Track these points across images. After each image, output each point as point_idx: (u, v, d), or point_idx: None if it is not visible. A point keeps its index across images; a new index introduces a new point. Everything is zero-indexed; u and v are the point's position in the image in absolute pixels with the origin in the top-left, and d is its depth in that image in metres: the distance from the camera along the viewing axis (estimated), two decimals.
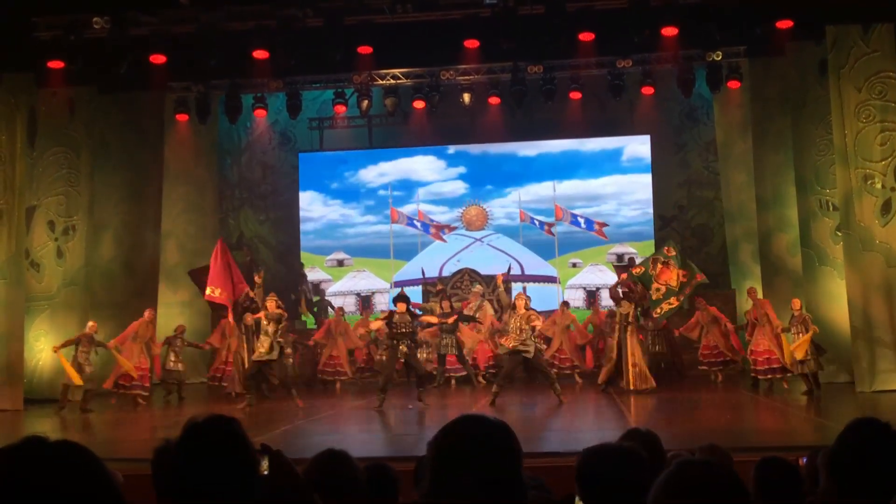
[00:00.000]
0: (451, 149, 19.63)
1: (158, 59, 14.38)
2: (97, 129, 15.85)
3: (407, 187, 19.74)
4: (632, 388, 12.59)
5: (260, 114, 17.60)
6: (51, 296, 14.83)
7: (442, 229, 19.16)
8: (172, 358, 14.30)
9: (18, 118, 14.12)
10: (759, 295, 14.31)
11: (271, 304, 12.29)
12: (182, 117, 17.21)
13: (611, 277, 17.73)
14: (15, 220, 13.87)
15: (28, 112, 14.40)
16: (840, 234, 13.28)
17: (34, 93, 14.53)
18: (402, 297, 12.17)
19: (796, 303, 12.58)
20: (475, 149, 19.57)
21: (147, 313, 13.97)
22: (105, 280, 16.07)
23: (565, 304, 16.11)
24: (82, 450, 1.61)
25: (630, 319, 12.96)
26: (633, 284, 13.25)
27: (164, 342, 14.38)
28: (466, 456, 1.83)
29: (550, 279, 18.72)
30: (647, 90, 16.77)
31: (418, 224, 19.21)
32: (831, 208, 13.80)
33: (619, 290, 13.34)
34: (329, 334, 15.44)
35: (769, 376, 12.77)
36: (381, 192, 19.72)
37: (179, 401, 13.90)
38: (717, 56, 15.72)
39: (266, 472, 2.34)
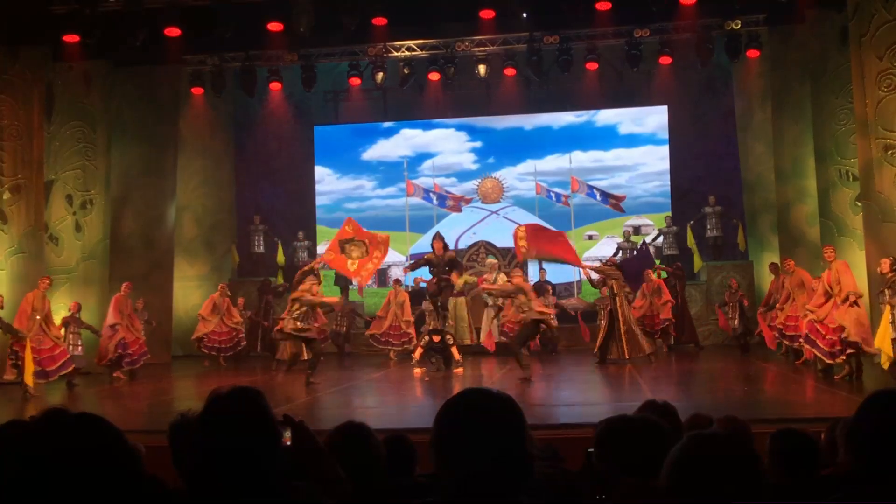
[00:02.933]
0: (467, 121, 19.55)
1: (173, 32, 14.35)
2: (113, 102, 15.89)
3: (422, 160, 19.70)
4: (626, 356, 12.89)
5: (275, 86, 17.58)
6: (70, 269, 14.96)
7: (459, 201, 19.12)
8: (70, 341, 12.86)
9: (35, 93, 14.16)
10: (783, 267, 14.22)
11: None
12: (197, 90, 17.22)
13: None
14: (33, 195, 13.97)
15: (45, 86, 14.44)
16: (860, 204, 13.14)
17: (50, 67, 14.56)
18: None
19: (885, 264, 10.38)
20: (491, 121, 19.48)
21: (124, 287, 13.61)
22: (123, 254, 16.16)
23: (397, 281, 16.32)
24: (102, 421, 1.64)
25: (616, 290, 13.30)
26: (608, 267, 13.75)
27: (61, 323, 12.95)
28: (470, 429, 1.83)
29: None
30: (665, 60, 16.59)
31: (434, 197, 19.18)
32: (851, 178, 13.66)
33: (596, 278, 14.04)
34: (388, 306, 15.61)
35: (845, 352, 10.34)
36: (396, 165, 19.68)
37: (72, 388, 12.20)
38: (737, 25, 15.52)
39: (289, 444, 2.36)
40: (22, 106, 13.99)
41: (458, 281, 15.74)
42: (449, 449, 1.85)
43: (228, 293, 15.84)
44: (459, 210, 19.15)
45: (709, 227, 17.43)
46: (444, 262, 13.39)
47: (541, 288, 15.98)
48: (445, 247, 13.65)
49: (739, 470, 1.81)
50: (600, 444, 2.55)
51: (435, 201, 19.19)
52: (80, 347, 13.12)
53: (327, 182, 19.94)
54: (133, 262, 16.12)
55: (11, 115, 13.89)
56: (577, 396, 10.55)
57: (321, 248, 19.48)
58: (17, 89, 13.95)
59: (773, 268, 14.07)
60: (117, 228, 16.21)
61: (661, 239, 17.77)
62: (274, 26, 14.65)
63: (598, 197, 18.67)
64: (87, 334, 13.46)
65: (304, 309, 12.05)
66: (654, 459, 2.28)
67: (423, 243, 19.17)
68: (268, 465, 1.96)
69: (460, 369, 12.67)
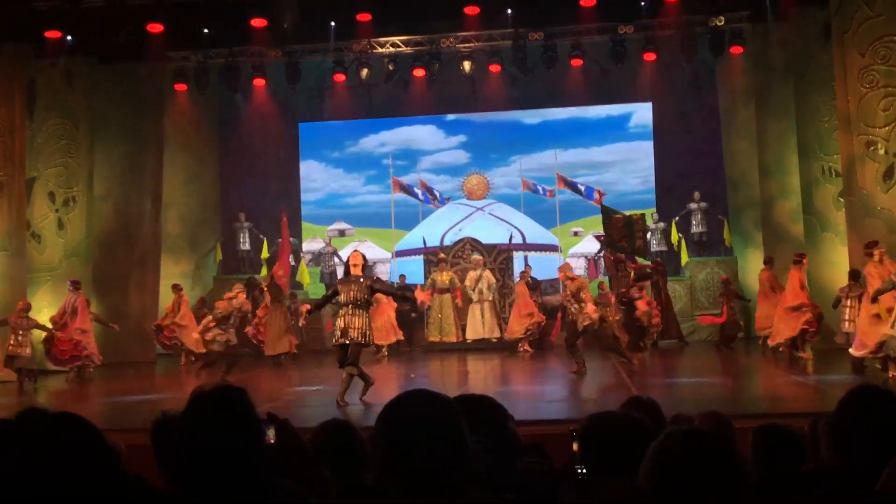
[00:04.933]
0: (452, 117, 19.54)
1: (156, 28, 14.26)
2: (96, 99, 15.77)
3: (408, 156, 19.67)
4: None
5: (259, 83, 17.50)
6: (52, 267, 14.86)
7: (439, 199, 19.12)
8: (13, 341, 12.35)
9: (17, 89, 14.05)
10: (761, 264, 14.34)
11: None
12: (181, 87, 17.11)
13: None
14: (15, 192, 13.87)
15: (27, 83, 14.32)
16: (842, 200, 13.25)
17: (32, 63, 14.45)
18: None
19: None
20: (476, 117, 19.47)
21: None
22: (106, 252, 16.06)
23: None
24: (81, 420, 1.63)
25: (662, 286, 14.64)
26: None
27: (1, 321, 12.57)
28: (408, 433, 1.87)
29: (552, 248, 18.71)
30: (649, 56, 16.64)
31: (419, 192, 19.16)
32: (834, 175, 13.76)
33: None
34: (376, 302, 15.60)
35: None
36: (383, 162, 19.66)
37: (35, 390, 12.15)
38: (720, 21, 15.59)
39: (273, 442, 2.35)
40: (3, 102, 13.88)
41: (444, 277, 15.84)
42: (391, 453, 1.88)
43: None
44: (436, 206, 19.13)
45: (694, 223, 17.52)
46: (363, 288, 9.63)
47: (531, 283, 16.05)
48: (366, 266, 10.08)
49: (718, 465, 1.81)
50: (582, 441, 2.56)
51: (420, 198, 19.18)
52: (28, 349, 12.51)
53: (313, 179, 19.89)
54: (116, 261, 16.02)
55: None
56: (562, 392, 10.58)
57: (307, 245, 19.49)
58: None
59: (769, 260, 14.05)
60: (101, 226, 16.10)
61: (648, 235, 17.82)
62: (258, 22, 14.58)
63: (582, 191, 18.67)
64: (38, 334, 13.10)
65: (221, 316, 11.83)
66: (637, 458, 2.28)
67: (408, 240, 19.17)
68: (252, 464, 1.96)
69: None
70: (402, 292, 12.35)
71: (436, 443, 1.84)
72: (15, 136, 13.92)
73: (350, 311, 9.18)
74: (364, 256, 9.82)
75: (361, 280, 9.35)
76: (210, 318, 11.95)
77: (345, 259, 10.15)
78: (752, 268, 16.29)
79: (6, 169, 13.79)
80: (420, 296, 12.95)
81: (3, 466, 1.48)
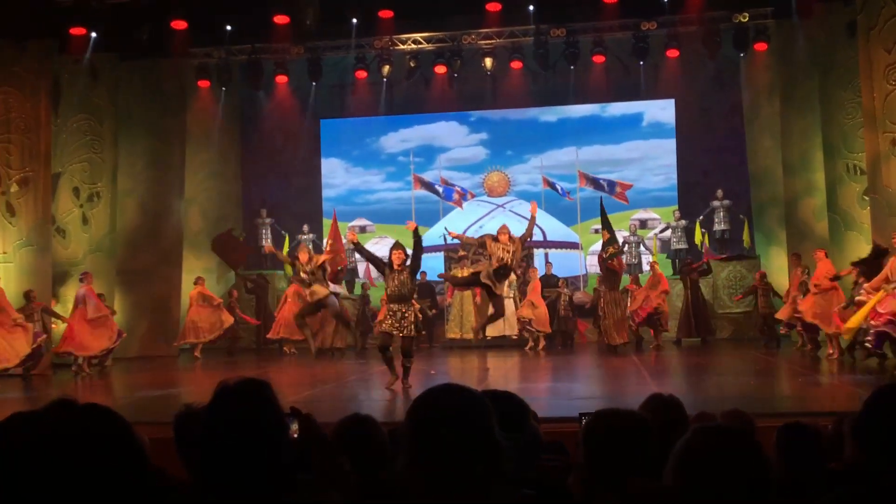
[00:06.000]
0: (473, 114, 19.51)
1: (179, 24, 14.35)
2: (120, 95, 15.91)
3: (428, 153, 19.67)
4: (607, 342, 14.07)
5: (281, 79, 17.57)
6: (77, 262, 15.00)
7: (464, 196, 19.08)
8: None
9: (42, 86, 14.17)
10: (785, 262, 14.26)
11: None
12: (204, 83, 17.22)
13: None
14: (41, 188, 13.99)
15: (51, 80, 14.45)
16: (867, 198, 13.10)
17: (57, 60, 14.57)
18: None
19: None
20: (497, 114, 19.43)
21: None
22: (130, 246, 16.20)
23: None
24: (110, 412, 1.64)
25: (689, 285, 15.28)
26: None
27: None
28: (439, 427, 1.86)
29: (573, 245, 18.65)
30: (672, 53, 16.54)
31: (440, 189, 19.14)
32: (858, 172, 13.61)
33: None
34: None
35: None
36: (403, 159, 19.68)
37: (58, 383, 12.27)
38: (744, 17, 15.47)
39: (295, 436, 2.37)
40: (29, 99, 14.00)
41: (465, 273, 15.80)
42: (420, 446, 1.87)
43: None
44: (461, 206, 19.10)
45: (716, 220, 17.39)
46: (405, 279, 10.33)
47: (548, 281, 16.02)
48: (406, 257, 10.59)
49: (746, 463, 1.80)
50: (585, 438, 2.55)
51: (441, 194, 19.15)
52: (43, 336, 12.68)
53: (334, 175, 19.94)
54: (140, 256, 16.16)
55: (19, 108, 13.90)
56: (583, 389, 10.55)
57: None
58: (24, 82, 13.96)
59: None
60: (124, 221, 16.24)
61: (668, 233, 17.74)
62: (280, 19, 14.64)
63: (605, 187, 18.56)
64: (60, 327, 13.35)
65: None
66: (641, 456, 2.27)
67: (429, 236, 19.16)
68: (275, 458, 1.97)
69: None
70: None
71: (465, 438, 1.84)
72: (40, 133, 14.05)
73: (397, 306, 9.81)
74: (406, 253, 10.08)
75: (405, 273, 9.82)
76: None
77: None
78: (775, 266, 16.16)
79: (32, 165, 13.92)
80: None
81: (33, 458, 1.50)
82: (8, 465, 1.58)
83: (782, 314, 13.58)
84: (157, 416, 6.76)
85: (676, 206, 18.02)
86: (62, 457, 1.50)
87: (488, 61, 16.66)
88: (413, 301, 10.15)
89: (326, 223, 19.55)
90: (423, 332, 15.49)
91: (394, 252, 9.95)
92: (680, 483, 1.81)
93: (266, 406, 2.00)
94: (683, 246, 17.33)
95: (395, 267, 9.84)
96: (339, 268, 15.77)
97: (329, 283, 12.84)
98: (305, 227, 18.73)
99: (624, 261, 15.71)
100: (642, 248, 17.82)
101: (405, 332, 9.72)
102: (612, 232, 14.22)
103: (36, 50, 14.09)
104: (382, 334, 9.94)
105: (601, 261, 14.39)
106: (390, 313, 9.88)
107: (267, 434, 1.98)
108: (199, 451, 2.02)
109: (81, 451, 1.51)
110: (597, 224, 19.00)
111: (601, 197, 16.05)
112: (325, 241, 19.27)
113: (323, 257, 12.88)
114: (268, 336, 15.92)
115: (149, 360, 14.51)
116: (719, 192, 17.38)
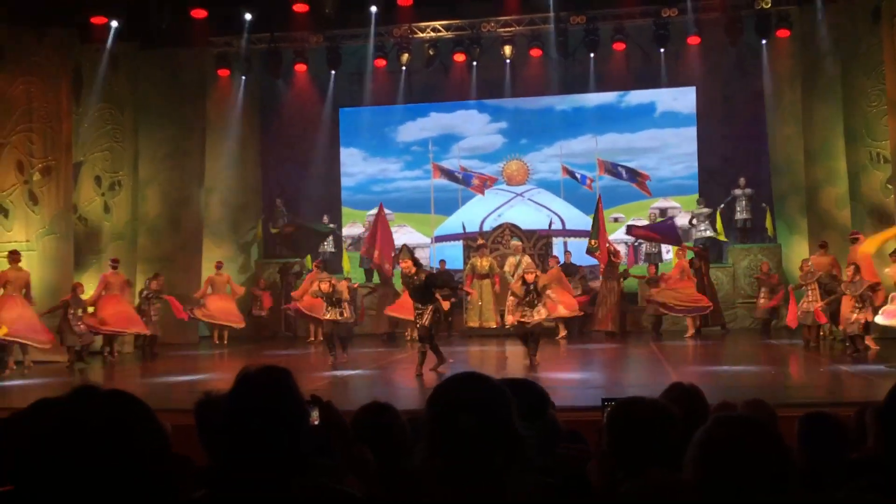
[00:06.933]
0: (492, 102, 19.44)
1: (199, 13, 14.40)
2: (140, 85, 15.98)
3: (447, 142, 19.64)
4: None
5: (300, 68, 17.59)
6: (98, 250, 15.13)
7: (484, 181, 19.05)
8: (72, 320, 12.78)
9: (64, 75, 14.27)
10: (807, 251, 14.11)
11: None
12: (223, 72, 17.28)
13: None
14: (63, 176, 14.12)
15: (73, 69, 14.55)
16: (890, 186, 12.96)
17: (78, 49, 14.66)
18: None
19: None
20: (516, 102, 19.35)
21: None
22: (151, 234, 16.33)
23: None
24: (133, 398, 1.66)
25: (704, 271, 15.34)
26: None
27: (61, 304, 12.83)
28: (458, 415, 1.87)
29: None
30: (693, 40, 16.40)
31: (460, 175, 19.12)
32: (882, 161, 13.45)
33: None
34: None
35: None
36: (421, 147, 19.65)
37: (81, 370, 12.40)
38: (767, 4, 15.30)
39: (316, 423, 2.38)
40: (51, 88, 14.11)
41: (483, 263, 15.82)
42: (441, 431, 1.87)
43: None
44: (482, 192, 19.08)
45: (738, 209, 17.26)
46: (419, 285, 10.75)
47: (569, 268, 16.01)
48: (416, 264, 10.91)
49: (767, 453, 1.79)
50: (608, 428, 2.54)
51: (461, 180, 19.12)
52: (81, 325, 12.88)
53: (353, 164, 19.97)
54: (161, 244, 16.28)
55: (41, 97, 14.02)
56: (602, 378, 10.54)
57: (347, 231, 19.61)
58: (46, 72, 14.06)
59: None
60: (145, 210, 16.36)
61: (694, 221, 17.65)
62: (300, 7, 14.65)
63: (624, 175, 18.49)
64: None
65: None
66: (663, 445, 2.26)
67: (447, 225, 19.18)
68: (296, 445, 1.98)
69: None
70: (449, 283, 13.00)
71: (485, 427, 1.84)
72: (62, 122, 14.16)
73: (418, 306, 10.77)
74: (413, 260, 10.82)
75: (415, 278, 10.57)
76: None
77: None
78: (796, 255, 16.02)
79: (54, 154, 14.04)
80: (468, 289, 13.83)
81: (57, 444, 1.51)
82: (32, 451, 1.60)
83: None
84: (177, 403, 6.84)
85: (698, 195, 17.90)
86: (85, 443, 1.51)
87: (507, 49, 16.60)
88: (437, 296, 10.81)
89: (346, 211, 19.61)
90: (449, 319, 15.62)
91: (401, 262, 10.72)
92: (700, 472, 1.81)
93: (287, 393, 2.01)
94: (709, 234, 17.22)
95: (406, 273, 10.64)
96: (385, 265, 15.98)
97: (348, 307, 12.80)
98: (326, 218, 18.79)
99: (621, 252, 16.86)
100: None
101: (421, 321, 10.68)
102: (596, 225, 15.32)
103: (57, 39, 14.18)
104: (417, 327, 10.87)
105: (588, 253, 15.56)
106: (416, 310, 10.81)
107: (288, 421, 1.99)
108: (220, 438, 2.03)
109: (104, 438, 1.52)
110: (617, 213, 19.02)
111: (598, 195, 16.30)
112: (343, 231, 19.39)
113: (343, 285, 12.85)
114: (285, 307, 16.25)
115: (169, 347, 14.61)
116: (741, 181, 17.24)
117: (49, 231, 13.92)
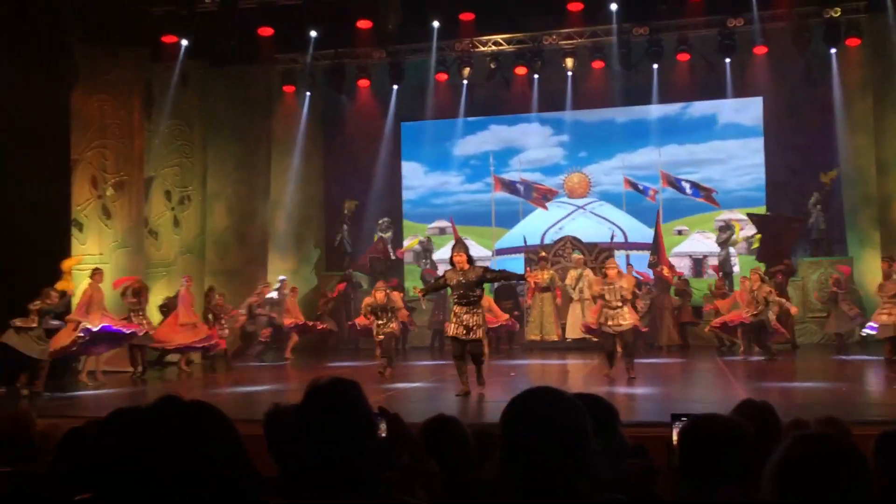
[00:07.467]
0: (554, 115, 19.36)
1: (266, 31, 14.70)
2: (209, 101, 16.39)
3: (507, 155, 19.63)
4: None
5: (363, 83, 17.81)
6: (168, 263, 15.51)
7: (545, 194, 18.97)
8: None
9: (136, 93, 14.72)
10: (878, 264, 13.65)
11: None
12: (289, 89, 17.59)
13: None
14: (135, 191, 14.54)
15: (144, 87, 14.98)
16: None
17: (149, 68, 15.10)
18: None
19: None
20: (578, 115, 19.22)
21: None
22: (219, 248, 16.69)
23: None
24: (214, 409, 1.70)
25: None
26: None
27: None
28: (534, 425, 1.87)
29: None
30: (760, 50, 16.11)
31: (521, 187, 19.07)
32: None
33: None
34: None
35: None
36: (480, 161, 19.67)
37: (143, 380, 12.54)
38: (836, 12, 14.96)
39: (384, 435, 2.40)
40: (123, 106, 14.56)
41: (545, 276, 15.74)
42: (516, 446, 1.87)
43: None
44: (544, 206, 19.00)
45: (812, 221, 16.85)
46: (471, 281, 9.80)
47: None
48: (470, 260, 10.01)
49: (849, 472, 1.75)
50: (682, 444, 2.50)
51: (522, 192, 19.08)
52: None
53: (414, 177, 20.09)
54: (228, 257, 16.63)
55: (114, 114, 14.47)
56: (666, 393, 10.36)
57: (407, 242, 19.71)
58: (119, 90, 14.52)
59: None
60: (213, 224, 16.72)
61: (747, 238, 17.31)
62: (363, 24, 14.85)
63: (688, 191, 18.23)
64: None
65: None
66: (736, 463, 2.22)
67: (508, 238, 19.14)
68: (364, 457, 2.00)
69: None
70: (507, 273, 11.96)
71: (560, 442, 1.83)
72: (134, 139, 14.59)
73: (465, 309, 9.58)
74: (468, 256, 9.93)
75: (470, 273, 9.64)
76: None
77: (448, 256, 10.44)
78: (868, 268, 15.56)
79: (126, 169, 14.47)
80: (530, 277, 12.88)
81: (141, 452, 1.55)
82: (114, 459, 1.64)
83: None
84: (244, 414, 6.94)
85: (765, 207, 17.54)
86: (168, 452, 1.55)
87: (569, 61, 16.54)
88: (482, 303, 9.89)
89: (406, 224, 19.72)
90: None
91: (455, 255, 9.79)
92: (779, 492, 1.76)
93: (356, 406, 2.03)
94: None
95: (458, 267, 9.63)
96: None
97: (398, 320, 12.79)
98: (381, 223, 18.94)
99: (677, 267, 16.95)
100: (731, 250, 17.46)
101: (472, 335, 9.42)
102: (656, 240, 15.93)
103: (130, 58, 14.64)
104: (453, 341, 9.57)
105: (649, 267, 16.11)
106: (455, 317, 9.62)
107: (356, 433, 2.01)
108: (289, 449, 2.06)
109: (187, 447, 1.56)
110: (680, 225, 18.73)
111: (658, 210, 16.62)
112: (404, 242, 19.50)
113: (397, 296, 12.81)
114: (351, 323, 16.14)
115: (235, 359, 14.85)
116: (815, 195, 16.83)
117: (121, 245, 14.33)
